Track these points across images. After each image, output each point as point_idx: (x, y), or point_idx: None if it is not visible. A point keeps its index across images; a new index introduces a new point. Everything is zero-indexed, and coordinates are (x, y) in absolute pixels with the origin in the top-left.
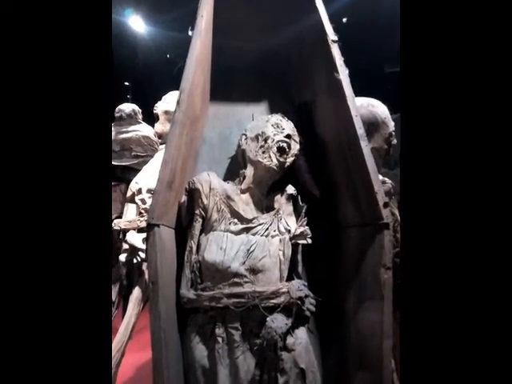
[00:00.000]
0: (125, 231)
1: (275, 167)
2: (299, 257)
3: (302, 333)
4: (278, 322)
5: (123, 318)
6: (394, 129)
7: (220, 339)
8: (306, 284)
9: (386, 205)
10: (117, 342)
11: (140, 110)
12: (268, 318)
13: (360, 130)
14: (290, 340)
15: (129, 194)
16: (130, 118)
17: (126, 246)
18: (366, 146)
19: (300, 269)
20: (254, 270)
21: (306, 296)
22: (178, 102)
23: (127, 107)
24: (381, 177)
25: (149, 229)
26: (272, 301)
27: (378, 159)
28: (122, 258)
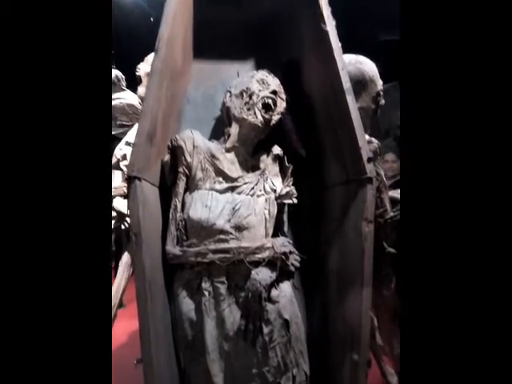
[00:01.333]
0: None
1: (260, 124)
2: (285, 217)
3: (286, 287)
4: (262, 274)
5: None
6: (382, 88)
7: (206, 293)
8: (291, 242)
9: (369, 160)
10: None
11: (123, 77)
12: (253, 271)
13: (346, 83)
14: (274, 293)
15: (114, 160)
16: (114, 85)
17: (113, 214)
18: (351, 100)
19: (286, 228)
20: (239, 228)
21: (291, 252)
22: (156, 51)
23: None
24: (367, 136)
25: (129, 182)
26: (257, 255)
27: (366, 120)
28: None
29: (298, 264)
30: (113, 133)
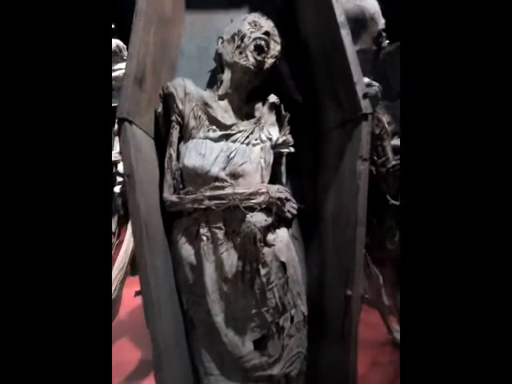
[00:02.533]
0: (116, 163)
1: (252, 67)
2: (283, 168)
3: (283, 232)
4: (257, 217)
5: None
6: (384, 27)
7: (205, 238)
8: (289, 191)
9: (365, 96)
10: (118, 263)
11: (125, 46)
12: (248, 215)
13: (340, 16)
14: (270, 236)
15: (116, 127)
16: (115, 55)
17: (119, 179)
18: (346, 34)
19: (284, 179)
20: (234, 175)
21: (287, 200)
22: None
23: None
24: (367, 79)
25: (119, 124)
26: (252, 201)
27: (365, 64)
28: (117, 189)
29: (294, 211)
30: (116, 104)
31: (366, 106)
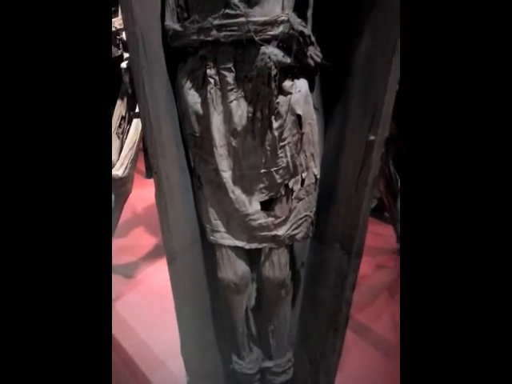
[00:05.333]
0: (119, 32)
1: None
2: (309, 13)
3: (302, 83)
4: (273, 49)
5: None
6: None
7: (212, 81)
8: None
9: None
10: (129, 141)
11: None
12: (262, 47)
13: None
14: (287, 83)
15: None
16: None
17: (126, 55)
18: None
19: (309, 13)
20: (249, 1)
21: (311, 41)
22: None
23: None
24: None
25: None
26: (269, 32)
27: None
28: (124, 65)
29: (318, 59)
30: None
31: None
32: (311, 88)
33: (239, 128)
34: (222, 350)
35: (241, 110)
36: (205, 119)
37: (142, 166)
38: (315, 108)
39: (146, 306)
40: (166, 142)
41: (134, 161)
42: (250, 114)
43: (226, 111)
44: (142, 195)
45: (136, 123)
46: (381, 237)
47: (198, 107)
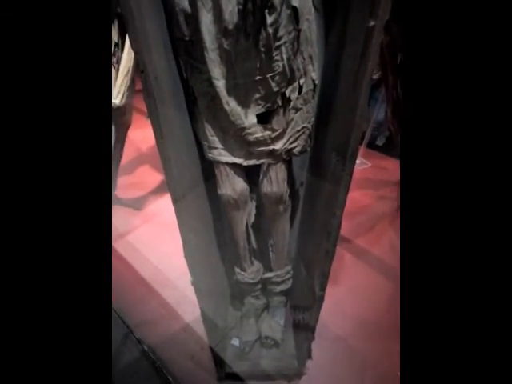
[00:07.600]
0: None
1: None
2: None
3: None
4: None
5: None
6: None
7: None
8: None
9: None
10: (123, 68)
11: None
12: None
13: None
14: None
15: None
16: None
17: None
18: None
19: None
20: None
21: None
22: None
23: None
24: None
25: None
26: None
27: None
28: None
29: None
30: None
31: None
32: None
33: (230, 26)
34: (226, 265)
35: (231, 5)
36: (193, 19)
37: (143, 106)
38: (315, 8)
39: (157, 237)
40: (152, 38)
41: (130, 89)
42: (241, 6)
43: (216, 7)
44: (146, 136)
45: (128, 48)
46: (386, 170)
47: (186, 5)
